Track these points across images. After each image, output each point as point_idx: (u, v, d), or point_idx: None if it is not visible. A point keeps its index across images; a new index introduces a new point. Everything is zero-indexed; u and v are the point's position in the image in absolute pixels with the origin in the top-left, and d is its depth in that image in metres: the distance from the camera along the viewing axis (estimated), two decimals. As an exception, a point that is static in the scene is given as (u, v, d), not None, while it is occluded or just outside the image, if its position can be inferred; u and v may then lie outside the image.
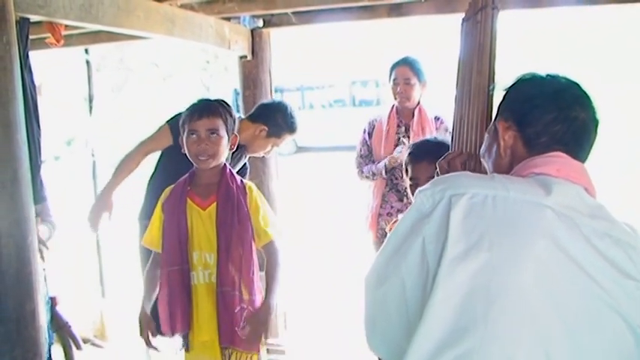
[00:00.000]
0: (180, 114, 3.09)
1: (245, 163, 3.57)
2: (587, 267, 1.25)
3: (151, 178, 3.34)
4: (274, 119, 3.42)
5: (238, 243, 2.57)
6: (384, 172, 3.74)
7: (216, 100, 2.70)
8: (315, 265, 6.61)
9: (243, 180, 2.71)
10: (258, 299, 2.64)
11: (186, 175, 2.68)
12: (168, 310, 2.59)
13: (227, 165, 2.68)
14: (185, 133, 2.59)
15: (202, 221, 2.61)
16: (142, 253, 3.34)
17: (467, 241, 1.25)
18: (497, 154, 1.53)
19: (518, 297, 1.22)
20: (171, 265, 2.58)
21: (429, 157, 2.36)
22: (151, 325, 2.65)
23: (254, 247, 2.65)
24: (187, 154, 2.61)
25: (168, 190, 2.70)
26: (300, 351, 4.40)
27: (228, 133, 2.62)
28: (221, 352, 2.60)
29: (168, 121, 3.25)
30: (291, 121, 3.45)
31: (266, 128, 3.40)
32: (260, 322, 2.59)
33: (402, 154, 3.60)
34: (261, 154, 3.56)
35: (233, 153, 3.21)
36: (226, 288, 2.54)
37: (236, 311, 2.55)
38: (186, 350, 2.67)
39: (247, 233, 2.60)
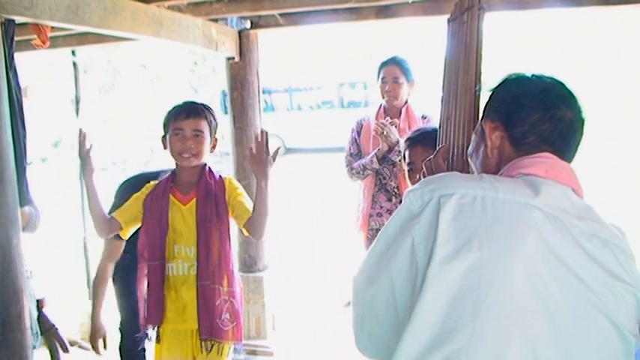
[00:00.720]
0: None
1: None
2: (576, 268, 1.25)
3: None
4: None
5: (217, 237, 2.66)
6: (374, 160, 3.74)
7: (201, 104, 2.79)
8: (304, 266, 6.61)
9: (222, 176, 2.78)
10: (238, 291, 2.74)
11: (168, 174, 2.78)
12: (146, 303, 2.69)
13: (206, 163, 2.77)
14: (170, 132, 2.67)
15: (183, 216, 2.70)
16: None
17: (456, 242, 1.25)
18: (485, 155, 1.53)
19: (507, 297, 1.22)
20: (152, 259, 2.68)
21: (425, 141, 2.46)
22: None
23: (231, 242, 2.74)
24: (170, 152, 2.70)
25: (149, 186, 2.79)
26: (288, 352, 4.40)
27: (210, 135, 2.72)
28: (201, 343, 2.66)
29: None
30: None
31: None
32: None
33: (384, 125, 3.63)
34: None
35: None
36: (206, 282, 2.63)
37: (217, 304, 2.63)
38: (157, 341, 2.74)
39: (225, 228, 2.70)
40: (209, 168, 2.77)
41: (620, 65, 13.82)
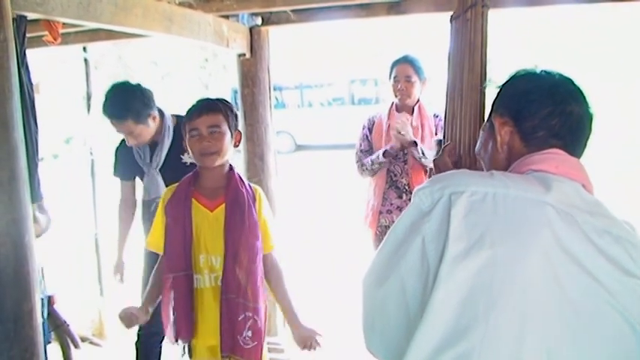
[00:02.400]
0: (114, 162, 3.45)
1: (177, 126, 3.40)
2: (588, 265, 1.24)
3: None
4: None
5: (246, 248, 2.48)
6: (380, 156, 3.75)
7: (215, 98, 2.62)
8: (314, 264, 6.60)
9: (251, 184, 2.65)
10: (262, 308, 2.56)
11: (189, 175, 2.60)
12: (172, 317, 2.51)
13: (234, 167, 2.61)
14: (187, 134, 2.51)
15: (209, 223, 2.52)
16: (147, 255, 3.37)
17: (468, 240, 1.25)
18: (494, 150, 1.53)
19: (520, 295, 1.21)
20: (176, 270, 2.50)
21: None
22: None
23: (261, 254, 2.57)
24: (192, 156, 2.53)
25: (169, 190, 2.62)
26: (299, 349, 4.39)
27: (230, 129, 2.53)
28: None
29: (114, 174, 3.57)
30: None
31: None
32: (306, 337, 2.66)
33: (404, 123, 3.63)
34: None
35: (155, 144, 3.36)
36: (231, 295, 2.46)
37: (239, 319, 2.47)
38: (190, 357, 2.58)
39: (256, 239, 2.52)
40: (238, 174, 2.60)
41: (622, 64, 13.78)
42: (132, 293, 3.47)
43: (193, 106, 2.55)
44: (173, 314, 2.51)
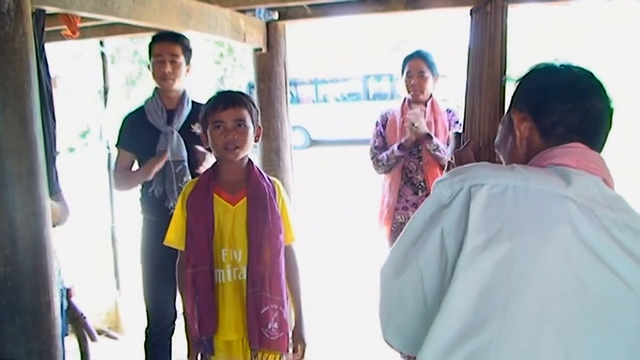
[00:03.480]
0: (119, 133, 3.43)
1: (194, 110, 3.42)
2: (609, 259, 1.24)
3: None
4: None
5: (269, 242, 2.50)
6: (395, 149, 3.75)
7: (238, 92, 2.64)
8: (325, 260, 6.61)
9: (270, 177, 2.66)
10: (286, 299, 2.58)
11: (209, 169, 2.62)
12: (196, 312, 2.50)
13: (252, 161, 2.63)
14: (210, 126, 2.52)
15: (231, 217, 2.53)
16: (143, 250, 3.42)
17: (487, 232, 1.25)
18: (513, 146, 1.53)
19: (539, 289, 1.21)
20: (199, 265, 2.49)
21: None
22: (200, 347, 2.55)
23: (283, 247, 2.58)
24: (212, 148, 2.54)
25: (190, 185, 2.62)
26: (314, 345, 4.40)
27: (253, 124, 2.56)
28: (251, 354, 2.53)
29: (116, 145, 3.51)
30: (154, 36, 3.50)
31: (148, 62, 3.52)
32: (299, 340, 2.66)
33: (416, 115, 3.62)
34: (166, 77, 3.43)
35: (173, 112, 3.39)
36: (256, 288, 2.47)
37: (264, 312, 2.48)
38: (212, 353, 2.56)
39: (279, 233, 2.53)
40: (257, 167, 2.62)
41: (627, 63, 13.66)
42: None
43: (217, 98, 2.56)
44: (196, 310, 2.50)
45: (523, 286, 1.21)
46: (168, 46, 3.34)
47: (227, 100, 2.52)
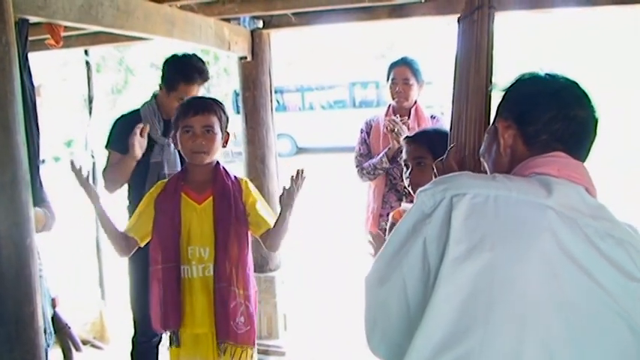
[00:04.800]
0: (110, 134, 3.35)
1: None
2: (590, 268, 1.24)
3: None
4: (165, 75, 3.35)
5: (235, 239, 2.62)
6: (384, 160, 3.74)
7: (209, 98, 2.75)
8: (314, 267, 6.60)
9: (237, 176, 2.76)
10: (253, 294, 2.70)
11: (179, 171, 2.75)
12: (162, 308, 2.63)
13: (220, 162, 2.72)
14: (179, 130, 2.63)
15: (198, 216, 2.64)
16: (130, 259, 3.36)
17: (469, 242, 1.25)
18: (497, 154, 1.53)
19: (520, 298, 1.22)
20: (166, 262, 2.61)
21: (418, 140, 2.50)
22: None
23: (250, 244, 2.71)
24: (181, 151, 2.67)
25: (159, 185, 2.74)
26: (300, 352, 4.40)
27: (222, 131, 2.67)
28: (218, 347, 2.63)
29: (106, 147, 3.40)
30: (182, 68, 3.32)
31: (163, 85, 3.34)
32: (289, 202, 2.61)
33: (394, 122, 3.63)
34: None
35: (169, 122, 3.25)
36: (223, 284, 2.59)
37: (232, 306, 2.59)
38: (177, 346, 2.69)
39: (244, 229, 2.66)
40: (223, 167, 2.72)
41: (622, 67, 13.77)
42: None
43: (188, 103, 2.69)
44: (161, 305, 2.62)
45: (505, 295, 1.22)
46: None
47: (197, 106, 2.63)
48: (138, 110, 3.40)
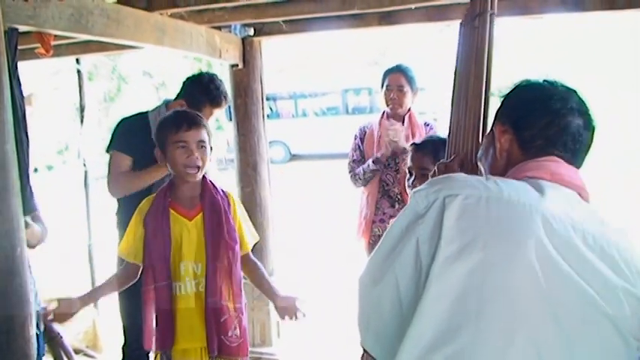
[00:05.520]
0: (114, 136, 3.28)
1: None
2: (579, 271, 1.26)
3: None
4: (191, 93, 3.32)
5: (227, 252, 2.58)
6: (370, 163, 3.76)
7: (195, 113, 2.70)
8: (307, 273, 6.60)
9: (224, 190, 2.71)
10: (244, 305, 2.67)
11: (164, 187, 2.67)
12: (155, 327, 2.57)
13: (206, 175, 2.68)
14: (170, 145, 2.55)
15: (189, 231, 2.59)
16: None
17: (460, 242, 1.27)
18: (494, 157, 1.55)
19: (511, 297, 1.23)
20: (158, 280, 2.55)
21: (425, 149, 2.54)
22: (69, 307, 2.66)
23: (240, 257, 2.67)
24: (172, 167, 2.58)
25: (146, 202, 2.67)
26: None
27: (210, 144, 2.64)
28: None
29: (110, 149, 3.32)
30: (210, 91, 3.31)
31: (184, 103, 3.28)
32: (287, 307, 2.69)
33: (397, 131, 3.65)
34: None
35: None
36: (214, 298, 2.55)
37: (223, 321, 2.56)
38: None
39: (235, 243, 2.62)
40: (210, 180, 2.68)
41: (621, 71, 13.81)
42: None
43: (176, 117, 2.62)
44: (155, 327, 2.57)
45: (495, 295, 1.23)
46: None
47: (190, 120, 2.57)
48: (145, 113, 3.36)
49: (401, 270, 1.34)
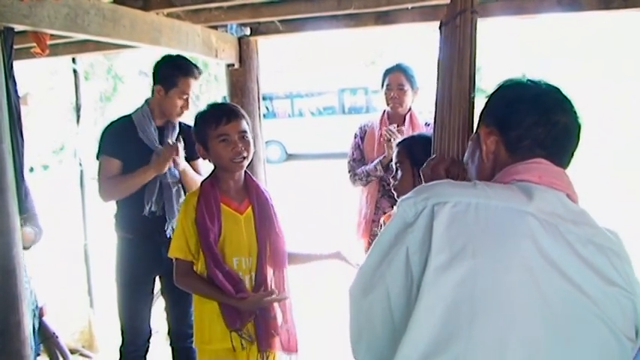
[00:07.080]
0: (101, 142, 3.24)
1: (181, 130, 3.42)
2: (571, 274, 1.25)
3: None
4: (162, 75, 3.29)
5: (277, 244, 2.61)
6: (379, 168, 3.74)
7: (231, 103, 2.75)
8: (304, 273, 6.58)
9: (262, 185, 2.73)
10: (290, 297, 2.68)
11: (208, 182, 2.61)
12: (224, 309, 2.55)
13: (246, 170, 2.66)
14: (212, 140, 2.52)
15: (240, 226, 2.58)
16: (119, 268, 3.35)
17: (450, 250, 1.25)
18: (480, 160, 1.52)
19: (503, 304, 1.22)
20: (223, 266, 2.52)
21: (401, 143, 2.52)
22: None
23: (286, 251, 2.68)
24: (217, 161, 2.56)
25: (192, 197, 2.61)
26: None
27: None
28: (260, 355, 2.57)
29: (99, 155, 3.29)
30: (178, 64, 3.29)
31: (160, 86, 3.26)
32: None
33: (393, 132, 3.64)
34: (180, 113, 3.33)
35: (163, 129, 3.30)
36: (265, 291, 2.54)
37: (273, 315, 2.57)
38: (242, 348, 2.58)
39: (283, 235, 2.65)
40: (249, 173, 2.67)
41: (620, 66, 13.82)
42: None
43: (216, 111, 2.58)
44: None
45: (487, 303, 1.22)
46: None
47: (229, 112, 2.55)
48: (129, 116, 3.33)
49: (392, 280, 1.32)
